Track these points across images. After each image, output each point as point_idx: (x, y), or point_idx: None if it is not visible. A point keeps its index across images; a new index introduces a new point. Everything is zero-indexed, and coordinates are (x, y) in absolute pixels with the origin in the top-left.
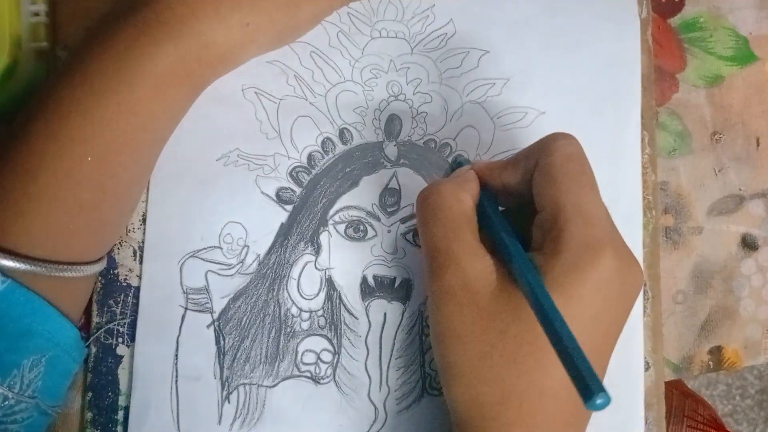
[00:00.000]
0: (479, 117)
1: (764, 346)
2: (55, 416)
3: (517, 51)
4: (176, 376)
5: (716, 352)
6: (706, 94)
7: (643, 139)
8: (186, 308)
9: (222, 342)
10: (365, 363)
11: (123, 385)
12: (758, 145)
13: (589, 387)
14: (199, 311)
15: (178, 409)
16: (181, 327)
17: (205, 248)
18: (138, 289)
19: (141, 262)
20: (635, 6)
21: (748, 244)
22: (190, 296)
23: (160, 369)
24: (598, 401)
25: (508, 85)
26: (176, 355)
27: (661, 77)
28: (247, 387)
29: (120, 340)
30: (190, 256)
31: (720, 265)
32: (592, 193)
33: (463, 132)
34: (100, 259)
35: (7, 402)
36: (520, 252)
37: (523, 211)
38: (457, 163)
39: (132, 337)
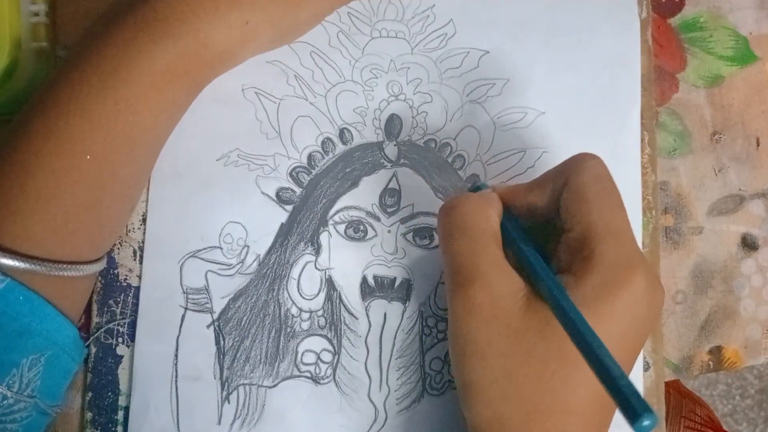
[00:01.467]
0: (479, 117)
1: (764, 346)
2: (54, 416)
3: (517, 51)
4: (176, 376)
5: (716, 352)
6: (706, 94)
7: (643, 139)
8: (186, 308)
9: (222, 342)
10: (365, 363)
11: (123, 385)
12: (758, 145)
13: (635, 409)
14: (199, 311)
15: (177, 410)
16: (181, 327)
17: (205, 248)
18: (138, 289)
19: (141, 262)
20: (635, 6)
21: (748, 244)
22: (190, 296)
23: (160, 369)
24: (645, 423)
25: (508, 85)
26: (176, 355)
27: (661, 77)
28: (247, 387)
29: (120, 340)
30: (190, 256)
31: (720, 265)
32: (622, 213)
33: (464, 132)
34: (99, 259)
35: (6, 401)
36: (549, 272)
37: (541, 230)
38: (476, 188)
39: (132, 337)
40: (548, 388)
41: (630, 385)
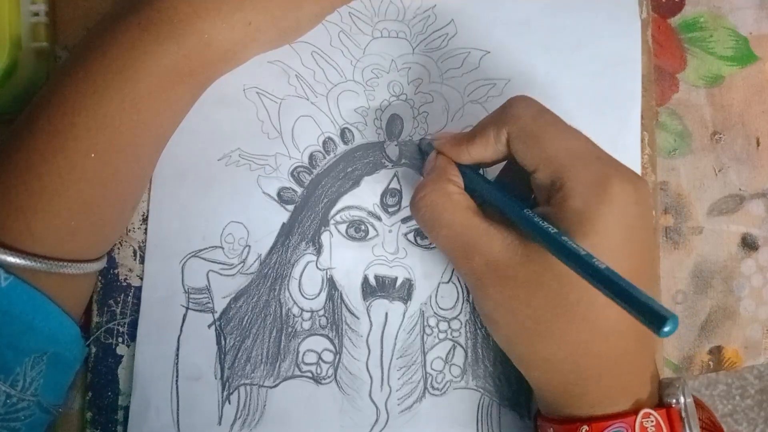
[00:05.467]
0: (480, 117)
1: (764, 346)
2: (56, 414)
3: (518, 51)
4: (177, 376)
5: (716, 352)
6: (706, 94)
7: (643, 139)
8: (187, 308)
9: (223, 342)
10: (366, 363)
11: (123, 385)
12: (758, 145)
13: (655, 314)
14: (201, 311)
15: (178, 409)
16: (182, 327)
17: (206, 248)
18: (138, 288)
19: (141, 262)
20: (635, 6)
21: (748, 244)
22: (191, 296)
23: (160, 369)
24: (667, 328)
25: (509, 86)
26: (177, 355)
27: (661, 77)
28: (248, 387)
29: (120, 340)
30: (192, 256)
31: (720, 265)
32: (573, 134)
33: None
34: (101, 258)
35: (9, 400)
36: (516, 209)
37: (512, 166)
38: (426, 144)
39: (132, 337)
40: (577, 317)
41: (637, 292)
